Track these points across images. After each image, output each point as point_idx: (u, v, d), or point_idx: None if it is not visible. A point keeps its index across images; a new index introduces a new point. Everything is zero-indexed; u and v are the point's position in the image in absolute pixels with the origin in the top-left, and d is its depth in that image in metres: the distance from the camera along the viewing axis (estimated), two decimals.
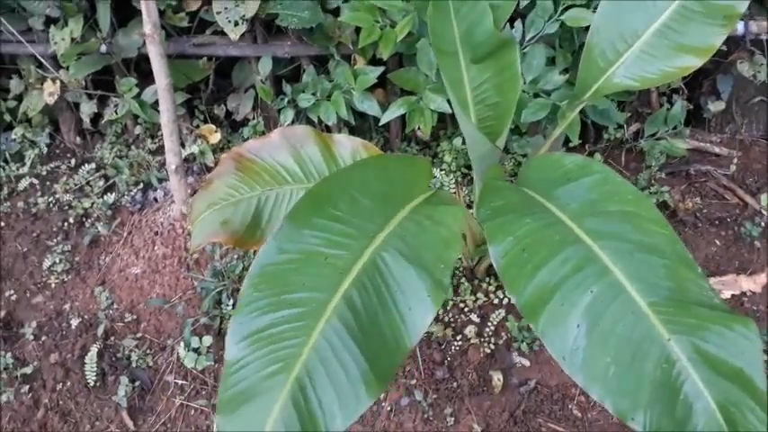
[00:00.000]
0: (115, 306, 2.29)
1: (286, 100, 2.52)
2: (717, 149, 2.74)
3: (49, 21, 2.56)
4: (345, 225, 1.25)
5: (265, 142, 1.74)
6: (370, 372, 1.10)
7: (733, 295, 2.27)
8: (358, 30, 2.37)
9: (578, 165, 1.46)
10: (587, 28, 2.16)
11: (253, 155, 1.72)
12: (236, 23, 2.39)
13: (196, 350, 2.09)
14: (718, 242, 2.42)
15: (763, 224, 2.43)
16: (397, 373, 2.10)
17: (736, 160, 2.66)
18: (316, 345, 1.11)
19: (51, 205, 2.61)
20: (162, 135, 2.71)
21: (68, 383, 2.13)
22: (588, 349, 1.12)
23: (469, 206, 2.42)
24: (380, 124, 2.43)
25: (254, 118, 2.70)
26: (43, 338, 2.23)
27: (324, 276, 1.18)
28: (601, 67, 1.76)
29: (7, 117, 2.82)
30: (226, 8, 2.39)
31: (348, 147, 1.75)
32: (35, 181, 2.69)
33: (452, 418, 2.01)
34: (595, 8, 2.21)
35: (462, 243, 2.14)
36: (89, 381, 2.11)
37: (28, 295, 2.37)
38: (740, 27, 2.51)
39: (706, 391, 1.04)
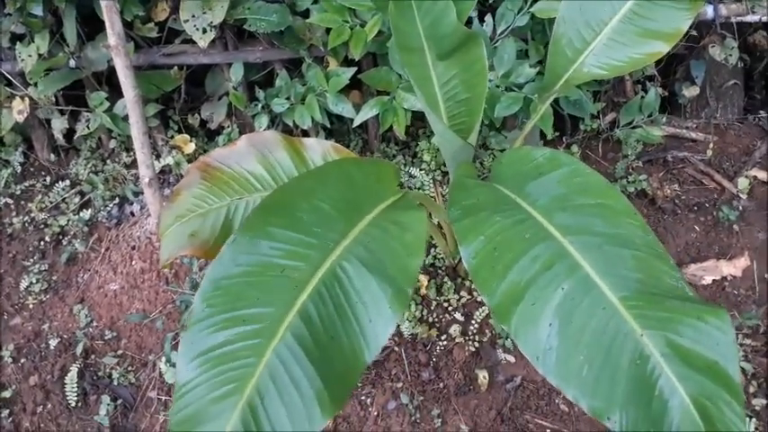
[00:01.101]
0: (95, 324, 2.25)
1: (260, 105, 2.48)
2: (693, 135, 2.72)
3: (15, 37, 2.51)
4: (305, 234, 1.20)
5: (233, 150, 1.70)
6: (324, 390, 1.06)
7: (714, 280, 2.24)
8: (328, 30, 2.33)
9: (548, 158, 1.42)
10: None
11: (220, 163, 1.68)
12: (205, 31, 2.34)
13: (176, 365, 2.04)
14: (697, 228, 2.39)
15: (740, 208, 2.41)
16: (383, 377, 2.07)
17: (712, 145, 2.64)
18: (268, 364, 1.06)
19: (27, 224, 2.56)
20: None
21: (49, 405, 2.08)
22: (561, 349, 1.09)
23: None
24: (354, 126, 2.39)
25: (228, 126, 2.65)
26: (22, 361, 2.19)
27: (280, 289, 1.13)
28: (569, 57, 1.72)
29: None
30: (193, 16, 2.34)
31: (319, 150, 1.71)
32: (9, 201, 2.63)
33: (440, 420, 1.98)
34: None
35: (443, 243, 2.11)
36: (70, 401, 2.07)
37: (5, 317, 2.32)
38: (710, 11, 2.50)
39: (680, 386, 1.01)
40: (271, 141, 1.69)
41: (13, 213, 2.60)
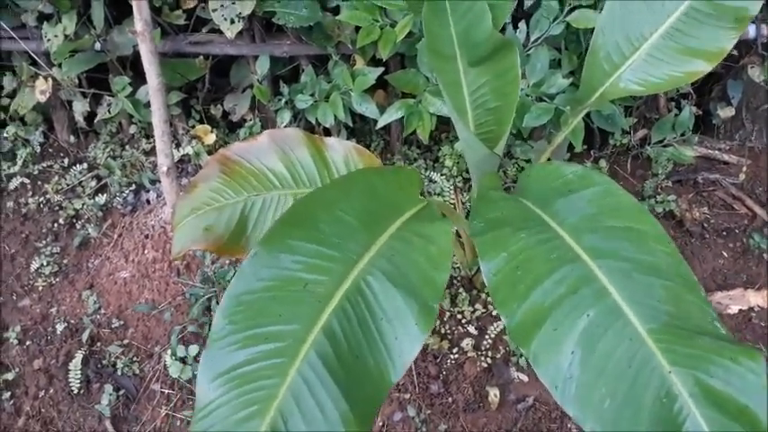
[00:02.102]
0: (102, 311, 2.22)
1: (283, 101, 2.44)
2: (726, 157, 2.64)
3: (42, 17, 2.49)
4: (327, 247, 1.15)
5: (253, 145, 1.66)
6: (349, 412, 1.01)
7: (740, 310, 2.17)
8: (358, 29, 2.28)
9: (579, 175, 1.36)
10: (594, 30, 2.07)
11: (239, 157, 1.64)
12: (233, 21, 2.30)
13: (182, 359, 2.01)
14: (725, 254, 2.32)
15: None
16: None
17: (745, 169, 2.56)
18: (292, 385, 1.01)
19: (42, 206, 2.54)
20: None
21: (51, 390, 2.06)
22: (582, 379, 1.03)
23: (468, 213, 2.33)
24: (378, 127, 2.34)
25: (251, 119, 2.61)
26: (27, 343, 2.17)
27: (303, 305, 1.08)
28: (606, 71, 1.66)
29: (1, 115, 2.75)
30: (222, 5, 2.30)
31: (340, 151, 1.66)
32: (26, 180, 2.62)
33: None
34: (602, 9, 2.12)
35: (461, 253, 2.06)
36: (73, 388, 2.04)
37: (14, 298, 2.30)
38: (752, 30, 2.41)
39: (708, 430, 0.95)
40: (292, 138, 1.64)
41: (29, 194, 2.58)
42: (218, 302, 2.13)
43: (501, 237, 1.23)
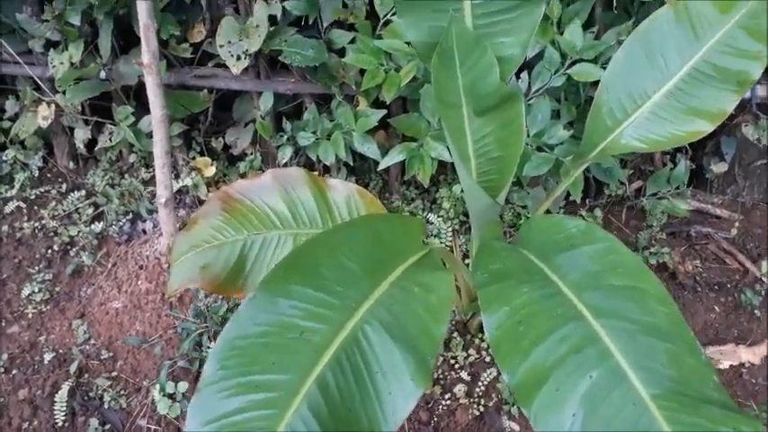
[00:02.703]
0: (92, 341, 2.17)
1: (285, 137, 2.43)
2: (718, 211, 2.65)
3: (49, 44, 2.49)
4: (327, 293, 1.13)
5: (256, 183, 1.64)
6: None
7: (731, 365, 2.15)
8: (362, 71, 2.29)
9: (582, 230, 1.35)
10: (594, 83, 2.09)
11: (241, 195, 1.62)
12: (239, 58, 2.30)
13: (171, 396, 1.96)
14: (717, 308, 2.31)
15: (763, 292, 2.33)
16: None
17: (737, 223, 2.57)
18: None
19: (37, 231, 2.50)
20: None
21: (35, 422, 2.00)
22: None
23: (465, 256, 2.31)
24: (379, 169, 2.34)
25: (252, 153, 2.60)
26: (14, 372, 2.11)
27: (298, 354, 1.05)
28: (608, 126, 1.67)
29: (1, 138, 2.72)
30: (229, 42, 2.31)
31: (343, 192, 1.65)
32: (22, 205, 2.58)
33: None
34: (603, 64, 2.14)
35: (457, 297, 2.03)
36: (57, 421, 1.98)
37: (3, 324, 2.25)
38: (747, 91, 2.43)
39: None
40: (295, 178, 1.63)
41: (25, 218, 2.54)
42: (209, 338, 2.09)
43: (504, 290, 1.21)
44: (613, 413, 1.02)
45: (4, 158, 2.68)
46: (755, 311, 2.28)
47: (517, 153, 1.60)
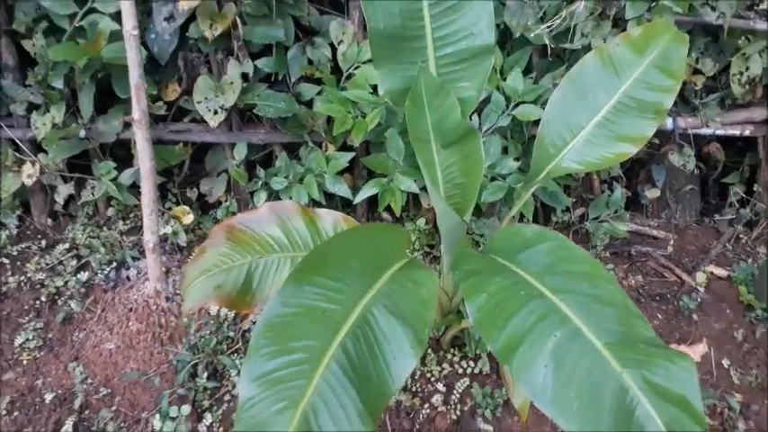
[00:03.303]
0: (89, 381, 2.39)
1: (260, 183, 2.75)
2: (655, 232, 3.08)
3: (32, 107, 2.77)
4: (339, 283, 1.45)
5: (255, 215, 1.96)
6: (364, 410, 1.29)
7: None
8: (330, 119, 2.66)
9: (536, 233, 1.72)
10: (536, 121, 2.51)
11: (243, 226, 1.93)
12: (216, 112, 2.64)
13: (174, 419, 2.20)
14: (660, 316, 2.70)
15: (699, 300, 2.73)
16: None
17: (672, 242, 3.00)
18: (317, 386, 1.29)
19: (23, 284, 2.72)
20: (134, 216, 2.91)
21: None
22: (555, 386, 1.34)
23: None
24: (355, 203, 2.68)
25: (226, 200, 2.91)
26: (15, 414, 2.31)
27: (322, 327, 1.37)
28: (551, 154, 2.06)
29: None
30: (206, 98, 2.65)
31: (330, 220, 1.98)
32: (5, 260, 2.80)
33: None
34: (542, 104, 2.57)
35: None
36: None
37: None
38: (669, 123, 2.91)
39: (655, 414, 1.27)
40: (289, 209, 1.96)
41: (9, 273, 2.76)
42: (203, 369, 2.34)
43: (480, 282, 1.55)
44: (575, 361, 1.35)
45: None
46: (693, 316, 2.68)
47: (478, 180, 1.98)
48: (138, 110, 2.37)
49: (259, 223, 1.94)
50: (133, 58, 2.27)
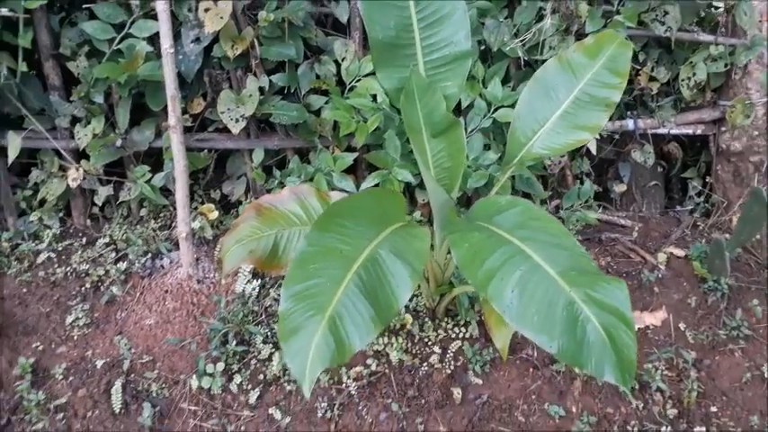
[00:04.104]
0: (133, 351, 2.78)
1: (276, 182, 3.17)
2: (622, 221, 3.50)
3: (74, 120, 3.20)
4: (352, 231, 1.87)
5: (278, 197, 2.38)
6: (376, 317, 1.70)
7: (639, 328, 2.92)
8: (335, 125, 3.09)
9: (509, 201, 2.13)
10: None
11: (269, 205, 2.34)
12: (237, 120, 3.07)
13: (211, 375, 2.59)
14: None
15: (660, 275, 3.14)
16: (375, 394, 2.63)
17: (637, 229, 3.42)
18: (339, 299, 1.71)
19: (69, 274, 3.12)
20: (163, 216, 3.32)
21: (96, 412, 2.58)
22: (520, 305, 1.74)
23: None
24: (359, 191, 3.09)
25: (246, 199, 3.33)
26: (71, 378, 2.69)
27: (341, 260, 1.79)
28: (522, 143, 2.47)
29: (22, 204, 3.36)
30: (229, 109, 3.08)
31: (338, 198, 2.40)
32: (52, 255, 3.20)
33: (422, 426, 2.54)
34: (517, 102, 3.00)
35: (425, 286, 2.76)
36: (115, 409, 2.57)
37: (53, 346, 2.83)
38: (630, 124, 3.35)
39: (594, 319, 1.67)
40: (306, 191, 2.38)
41: (56, 265, 3.16)
42: (233, 337, 2.73)
43: (463, 235, 1.96)
44: (535, 286, 1.76)
45: (31, 220, 3.31)
46: (654, 288, 3.08)
47: (462, 163, 2.40)
48: (174, 117, 2.79)
49: (282, 202, 2.36)
50: (169, 73, 2.71)
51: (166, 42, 2.67)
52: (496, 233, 1.98)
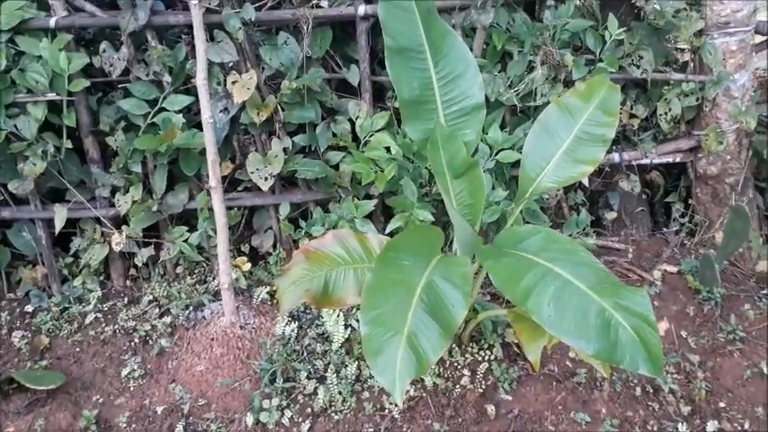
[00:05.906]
0: (188, 396, 2.93)
1: (303, 232, 3.39)
2: (617, 245, 3.76)
3: (114, 189, 3.40)
4: (408, 263, 2.10)
5: (322, 241, 2.59)
6: (443, 332, 1.92)
7: None
8: (352, 176, 3.33)
9: (529, 230, 2.37)
10: (514, 163, 3.20)
11: (315, 249, 2.56)
12: (266, 179, 3.30)
13: (267, 410, 2.75)
14: None
15: (657, 290, 3.38)
16: (416, 417, 2.81)
17: (631, 251, 3.67)
18: (411, 321, 1.92)
19: (117, 332, 3.28)
20: (198, 271, 3.51)
21: None
22: (557, 316, 1.96)
23: None
24: (386, 233, 3.30)
25: (275, 250, 3.53)
26: (134, 425, 2.83)
27: (403, 288, 2.01)
28: (532, 178, 2.72)
29: (64, 271, 3.53)
30: (257, 168, 3.31)
31: (375, 240, 2.62)
32: (99, 315, 3.36)
33: None
34: (518, 149, 3.26)
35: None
36: None
37: (111, 398, 2.97)
38: (617, 157, 3.63)
39: (625, 323, 1.90)
40: (346, 235, 2.60)
41: (104, 324, 3.32)
42: (280, 375, 2.90)
43: (497, 261, 2.19)
44: (569, 298, 1.98)
45: (74, 285, 3.48)
46: (654, 302, 3.31)
47: (482, 200, 2.64)
48: (214, 178, 3.01)
49: (326, 245, 2.57)
50: (210, 139, 2.94)
51: (206, 113, 2.90)
52: (525, 257, 2.21)
